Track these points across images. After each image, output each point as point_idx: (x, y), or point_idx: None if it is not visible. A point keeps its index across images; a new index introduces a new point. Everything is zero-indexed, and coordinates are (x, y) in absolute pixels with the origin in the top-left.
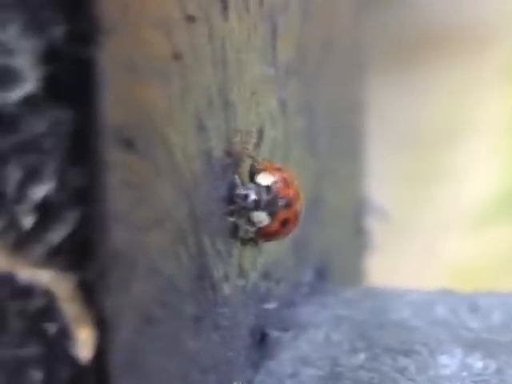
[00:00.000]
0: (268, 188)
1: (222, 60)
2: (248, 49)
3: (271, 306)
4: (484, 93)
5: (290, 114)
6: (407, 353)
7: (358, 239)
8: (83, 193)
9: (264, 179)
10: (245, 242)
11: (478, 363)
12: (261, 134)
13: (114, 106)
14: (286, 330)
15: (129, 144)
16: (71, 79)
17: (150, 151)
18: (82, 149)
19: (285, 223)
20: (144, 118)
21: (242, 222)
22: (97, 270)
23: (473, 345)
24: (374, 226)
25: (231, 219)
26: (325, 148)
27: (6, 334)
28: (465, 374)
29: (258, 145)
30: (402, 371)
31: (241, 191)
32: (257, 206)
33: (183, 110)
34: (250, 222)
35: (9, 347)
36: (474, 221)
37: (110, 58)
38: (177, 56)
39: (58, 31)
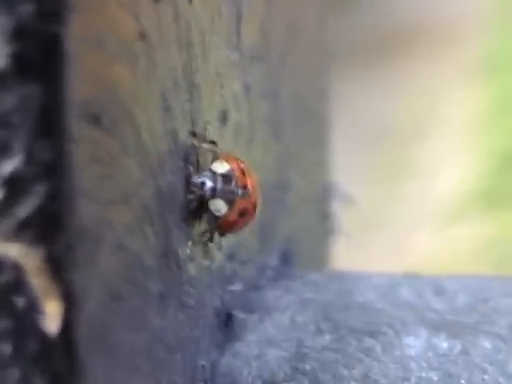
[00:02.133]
0: (224, 175)
1: (187, 42)
2: (212, 32)
3: (236, 287)
4: (450, 90)
5: (254, 98)
6: (372, 334)
7: (323, 224)
8: (51, 167)
9: (220, 167)
10: (200, 236)
11: (443, 344)
12: (225, 116)
13: (80, 82)
14: (251, 312)
15: (95, 120)
16: (39, 56)
17: (117, 128)
18: (49, 124)
19: (243, 213)
20: (110, 95)
21: (200, 212)
22: (64, 244)
23: (438, 326)
24: (341, 219)
25: (190, 209)
26: (290, 134)
27: None
28: (430, 354)
29: (220, 128)
30: (368, 352)
31: (197, 179)
32: (214, 193)
33: (149, 90)
34: (208, 211)
35: None
36: (439, 217)
37: (76, 36)
38: (143, 36)
39: (27, 9)
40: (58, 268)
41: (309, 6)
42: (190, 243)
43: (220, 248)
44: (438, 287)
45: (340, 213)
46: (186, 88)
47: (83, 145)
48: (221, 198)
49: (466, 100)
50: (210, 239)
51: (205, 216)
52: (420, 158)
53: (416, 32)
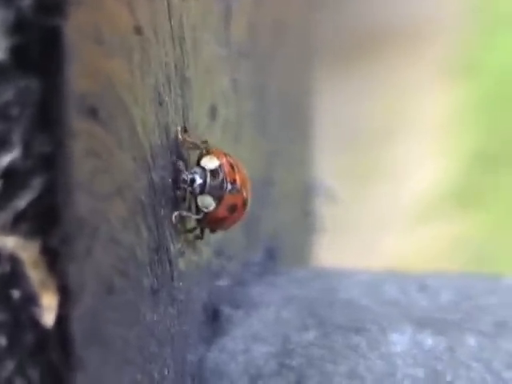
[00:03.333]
0: (213, 171)
1: (179, 37)
2: (203, 28)
3: (223, 283)
4: (423, 91)
5: (242, 94)
6: (358, 330)
7: (306, 221)
8: (48, 160)
9: (209, 163)
10: (189, 232)
11: (428, 340)
12: (214, 112)
13: (78, 75)
14: (237, 307)
15: (92, 113)
16: (38, 49)
17: (113, 121)
18: (47, 117)
19: (232, 209)
20: (107, 89)
21: (188, 208)
22: (61, 236)
23: (423, 323)
24: (321, 216)
25: (177, 208)
26: (276, 130)
27: None
28: (416, 350)
29: (209, 124)
30: (354, 348)
31: (186, 176)
32: (202, 189)
33: (143, 84)
34: (197, 207)
35: None
36: (411, 217)
37: (76, 29)
38: (138, 30)
39: (26, 2)
40: (54, 260)
41: (295, 3)
42: (181, 238)
43: (208, 244)
44: (422, 284)
45: (322, 210)
46: (178, 83)
47: (80, 138)
48: (209, 194)
49: (438, 101)
50: (200, 236)
51: (194, 212)
52: (392, 158)
53: (389, 33)
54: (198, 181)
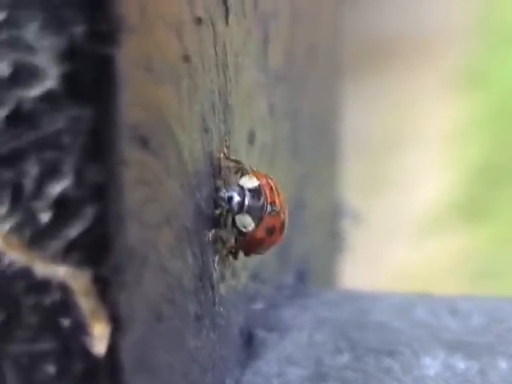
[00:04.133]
0: (253, 191)
1: (223, 64)
2: (244, 53)
3: (258, 306)
4: (428, 103)
5: (277, 118)
6: (390, 353)
7: (333, 242)
8: (100, 189)
9: (248, 182)
10: (226, 254)
11: (460, 364)
12: (252, 137)
13: (131, 104)
14: (271, 330)
15: (143, 142)
16: (91, 77)
17: (162, 150)
18: (99, 146)
19: (271, 231)
20: (158, 118)
21: (227, 229)
22: (112, 265)
23: (454, 346)
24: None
25: (215, 226)
26: (307, 152)
27: (21, 329)
28: (448, 374)
29: (248, 148)
30: (387, 371)
31: (224, 193)
32: (241, 208)
33: (190, 111)
34: (235, 227)
35: (23, 342)
36: (416, 230)
37: (128, 58)
38: (186, 58)
39: (79, 29)
40: (105, 289)
41: (326, 25)
42: (216, 258)
43: (245, 268)
44: (453, 307)
45: (349, 231)
46: (221, 109)
47: (132, 167)
48: (248, 213)
49: (444, 113)
50: (235, 256)
51: (231, 234)
52: (398, 170)
53: (396, 45)
54: (236, 198)
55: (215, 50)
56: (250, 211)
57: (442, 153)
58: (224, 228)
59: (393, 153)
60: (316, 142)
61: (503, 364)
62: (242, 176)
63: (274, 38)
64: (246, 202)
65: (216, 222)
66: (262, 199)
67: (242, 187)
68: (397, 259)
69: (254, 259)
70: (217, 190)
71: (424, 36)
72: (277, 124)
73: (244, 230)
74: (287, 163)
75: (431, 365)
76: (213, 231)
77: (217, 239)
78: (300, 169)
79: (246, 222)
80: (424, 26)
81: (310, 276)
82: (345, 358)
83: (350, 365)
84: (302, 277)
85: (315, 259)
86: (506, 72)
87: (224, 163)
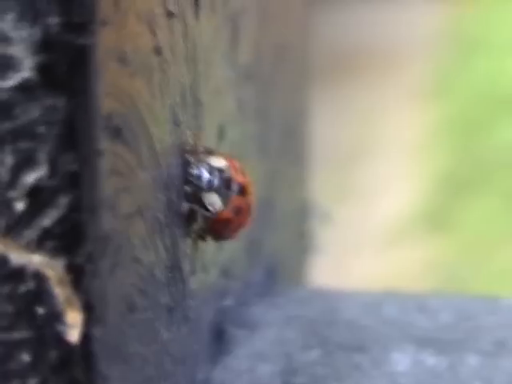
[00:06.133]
0: (221, 170)
1: (194, 58)
2: (213, 49)
3: (228, 302)
4: (394, 113)
5: (246, 115)
6: (360, 349)
7: (301, 241)
8: (74, 179)
9: (217, 162)
10: (195, 236)
11: (429, 360)
12: (222, 133)
13: (104, 95)
14: (241, 327)
15: (117, 132)
16: (65, 68)
17: (135, 141)
18: (74, 136)
19: (238, 211)
20: (131, 109)
21: (195, 207)
22: (86, 254)
23: (423, 342)
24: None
25: (186, 204)
26: (275, 151)
27: None
28: (418, 370)
29: (217, 144)
30: (357, 367)
31: (194, 170)
32: (210, 186)
33: (162, 104)
34: (203, 206)
35: None
36: (382, 239)
37: (102, 49)
38: (158, 50)
39: (54, 21)
40: (79, 278)
41: (295, 26)
42: (188, 242)
43: (215, 263)
44: (421, 304)
45: (316, 231)
46: (192, 104)
47: (105, 157)
48: (216, 192)
49: (410, 123)
50: (203, 237)
51: (199, 213)
52: (364, 179)
53: (364, 56)
54: (205, 175)
55: (186, 44)
56: (217, 190)
57: (408, 162)
58: (192, 210)
59: (359, 162)
60: (285, 142)
61: (472, 360)
62: (209, 156)
63: (242, 35)
64: (215, 179)
65: (186, 198)
66: (229, 178)
67: (210, 165)
68: (362, 268)
69: (224, 255)
70: (186, 166)
71: (390, 47)
72: (245, 121)
73: (211, 208)
74: (256, 161)
75: (400, 360)
76: (187, 204)
77: (190, 213)
78: (268, 167)
79: (213, 201)
80: (390, 37)
81: (279, 274)
82: (315, 354)
83: (320, 361)
84: (271, 274)
85: (284, 257)
86: (470, 82)
87: (196, 148)
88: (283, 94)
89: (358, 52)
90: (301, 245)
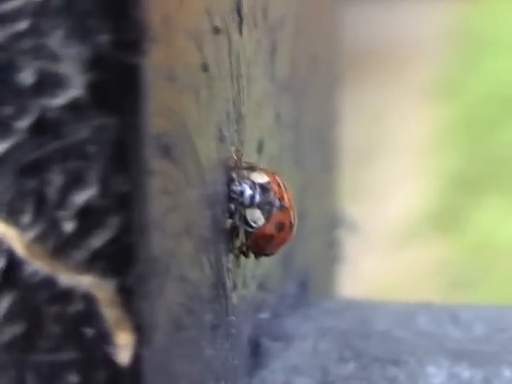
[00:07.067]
0: (263, 186)
1: (237, 73)
2: (255, 63)
3: (264, 315)
4: (403, 114)
5: (283, 127)
6: (395, 362)
7: (330, 251)
8: (124, 199)
9: (259, 178)
10: (238, 252)
11: (465, 373)
12: (261, 147)
13: (155, 113)
14: (275, 340)
15: (166, 151)
16: (116, 86)
17: (183, 159)
18: (124, 155)
19: (279, 228)
20: (179, 127)
21: (238, 223)
22: (136, 275)
23: (458, 355)
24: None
25: (229, 221)
26: (308, 161)
27: (44, 339)
28: (453, 383)
29: (257, 158)
30: (392, 380)
31: (237, 187)
32: (252, 201)
33: (208, 121)
34: (246, 222)
35: (46, 352)
36: (390, 240)
37: (153, 67)
38: (205, 67)
39: (104, 38)
40: (129, 299)
41: (327, 36)
42: (230, 258)
43: (254, 277)
44: (454, 316)
45: (346, 240)
46: (235, 119)
47: (155, 176)
48: (258, 208)
49: (418, 123)
50: (246, 254)
51: (242, 229)
52: (373, 180)
53: (373, 55)
54: (248, 192)
55: (230, 59)
56: (260, 205)
57: (418, 162)
58: (237, 223)
59: (368, 162)
60: (316, 151)
61: (507, 372)
62: (252, 172)
63: (280, 48)
64: (257, 195)
65: (229, 213)
66: (272, 194)
67: (252, 181)
68: (371, 269)
69: (261, 269)
70: (229, 183)
71: (399, 46)
72: (282, 133)
73: (254, 224)
74: (291, 173)
75: (436, 374)
76: (230, 220)
77: (233, 229)
78: (301, 177)
79: (256, 217)
80: (398, 37)
81: (311, 285)
82: (350, 367)
83: (356, 374)
84: (303, 285)
85: (314, 268)
86: (479, 81)
87: (238, 163)
88: (315, 104)
89: (367, 52)
90: (330, 255)
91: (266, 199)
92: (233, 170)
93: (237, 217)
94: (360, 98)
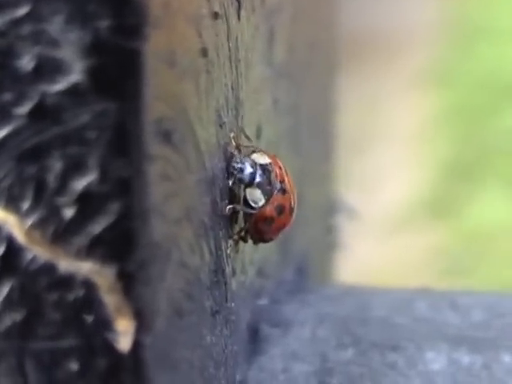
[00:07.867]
0: (264, 166)
1: (236, 58)
2: (253, 48)
3: (263, 302)
4: (396, 101)
5: (280, 113)
6: (394, 348)
7: (328, 237)
8: (125, 184)
9: (260, 158)
10: (237, 237)
11: (464, 358)
12: (259, 132)
13: (155, 99)
14: (274, 326)
15: (167, 137)
16: (116, 71)
17: (183, 145)
18: (124, 141)
19: (280, 210)
20: (179, 112)
21: (238, 206)
22: (137, 261)
23: (457, 340)
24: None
25: (229, 204)
26: (306, 147)
27: (44, 326)
28: (453, 368)
29: (255, 143)
30: (392, 366)
31: (237, 164)
32: (252, 180)
33: (207, 106)
34: (246, 203)
35: (46, 339)
36: (385, 227)
37: (153, 52)
38: (204, 52)
39: (104, 23)
40: (130, 285)
41: (325, 23)
42: (229, 243)
43: (252, 263)
44: (452, 302)
45: (344, 226)
46: (233, 105)
47: (156, 162)
48: (259, 188)
49: (411, 111)
50: (244, 239)
51: (242, 212)
52: (366, 167)
53: (365, 43)
54: (248, 169)
55: (229, 44)
56: (260, 186)
57: (411, 150)
58: (236, 204)
59: (362, 149)
60: (314, 138)
61: (507, 358)
62: (253, 153)
63: (278, 34)
64: (258, 175)
65: (229, 196)
66: (272, 175)
67: (253, 161)
68: (367, 255)
69: (259, 255)
70: (230, 160)
71: (389, 35)
72: (280, 119)
73: (254, 205)
74: (288, 158)
75: (436, 359)
76: (230, 206)
77: (232, 215)
78: (299, 163)
79: (257, 197)
80: (389, 25)
81: (309, 271)
82: (349, 353)
83: (355, 360)
84: (301, 271)
85: (312, 254)
86: (471, 69)
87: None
88: (312, 90)
89: (360, 40)
90: (327, 241)
91: (267, 180)
92: (234, 148)
93: (236, 197)
94: (354, 85)
